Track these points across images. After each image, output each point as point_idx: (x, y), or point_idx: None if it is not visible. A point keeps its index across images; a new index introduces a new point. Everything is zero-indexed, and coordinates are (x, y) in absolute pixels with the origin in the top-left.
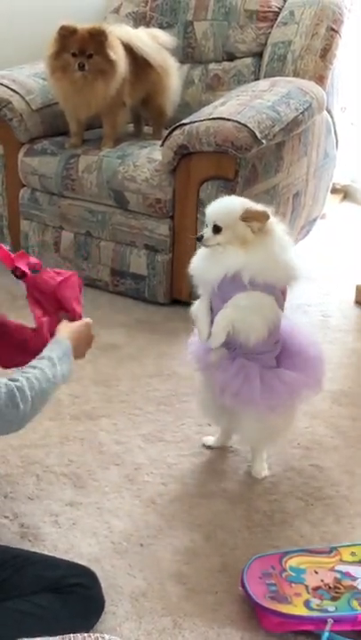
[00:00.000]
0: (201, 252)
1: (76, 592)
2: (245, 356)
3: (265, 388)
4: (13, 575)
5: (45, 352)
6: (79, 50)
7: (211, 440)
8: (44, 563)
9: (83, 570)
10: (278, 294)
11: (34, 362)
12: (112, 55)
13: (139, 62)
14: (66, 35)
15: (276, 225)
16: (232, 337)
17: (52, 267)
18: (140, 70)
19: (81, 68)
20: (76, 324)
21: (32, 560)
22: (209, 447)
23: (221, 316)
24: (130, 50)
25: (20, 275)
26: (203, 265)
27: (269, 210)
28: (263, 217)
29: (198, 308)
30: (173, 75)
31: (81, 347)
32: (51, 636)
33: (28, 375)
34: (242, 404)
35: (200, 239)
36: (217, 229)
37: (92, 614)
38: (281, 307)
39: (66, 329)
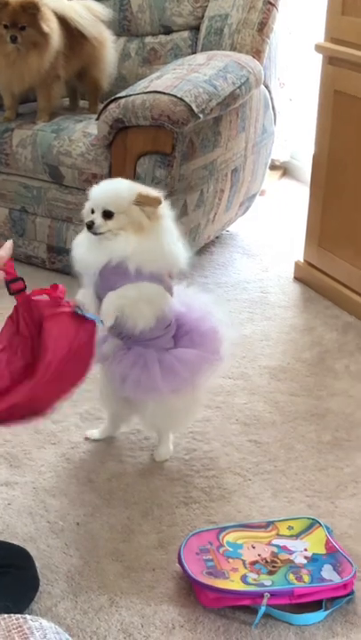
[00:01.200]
0: (83, 237)
1: (10, 573)
2: (140, 343)
3: (165, 372)
4: None
5: None
6: (11, 22)
7: (95, 433)
8: None
9: (16, 550)
10: (167, 279)
11: None
12: (45, 28)
13: (73, 34)
14: None
15: (166, 210)
16: (120, 324)
17: None
18: (75, 43)
19: (13, 40)
20: None
21: None
22: (94, 440)
23: (109, 299)
24: (64, 22)
25: (15, 290)
26: (85, 250)
27: (161, 194)
28: (156, 201)
29: (84, 295)
30: (109, 47)
31: None
32: None
33: None
34: (144, 393)
35: (91, 226)
36: (108, 215)
37: (25, 595)
38: (170, 291)
39: None
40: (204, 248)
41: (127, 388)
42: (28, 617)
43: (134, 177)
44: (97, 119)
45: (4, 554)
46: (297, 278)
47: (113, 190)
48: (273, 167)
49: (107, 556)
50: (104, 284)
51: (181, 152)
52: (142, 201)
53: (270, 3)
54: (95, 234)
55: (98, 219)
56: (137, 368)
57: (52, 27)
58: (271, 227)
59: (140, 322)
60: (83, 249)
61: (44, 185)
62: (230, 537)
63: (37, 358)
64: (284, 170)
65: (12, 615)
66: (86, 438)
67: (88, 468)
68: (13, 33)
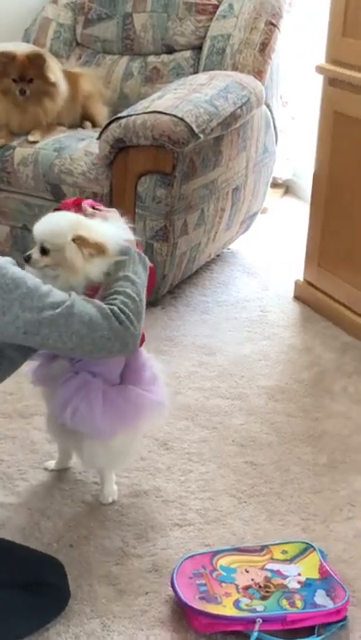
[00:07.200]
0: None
1: (47, 594)
2: (89, 370)
3: (107, 407)
4: None
5: (120, 272)
6: (19, 76)
7: (52, 464)
8: (16, 558)
9: (53, 566)
10: None
11: (115, 287)
12: (52, 77)
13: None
14: (5, 61)
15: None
16: None
17: None
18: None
19: (22, 93)
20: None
21: (4, 555)
22: (52, 470)
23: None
24: None
25: None
26: None
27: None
28: (98, 248)
29: None
30: (62, 79)
31: None
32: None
33: (115, 301)
34: (81, 424)
35: (28, 260)
36: (44, 251)
37: (53, 614)
38: None
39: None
40: (204, 266)
41: (65, 415)
42: None
43: (135, 196)
44: (98, 138)
45: (38, 570)
46: (297, 297)
47: (51, 226)
48: (275, 185)
49: (100, 580)
50: None
51: (182, 172)
52: (81, 243)
53: (272, 23)
54: (32, 267)
55: (35, 253)
56: (79, 395)
57: (57, 75)
58: (272, 245)
59: None
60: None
61: (46, 203)
62: (224, 561)
63: None
64: (287, 188)
65: None
66: (45, 469)
67: (84, 489)
68: (22, 87)
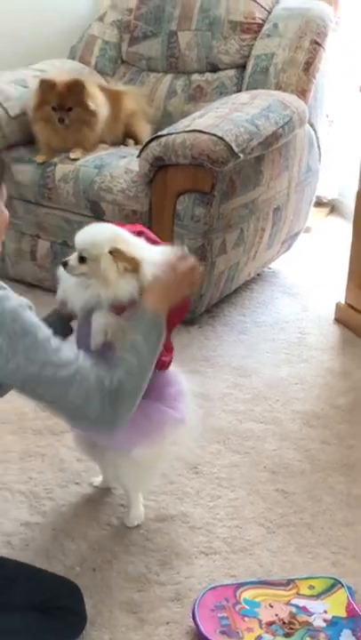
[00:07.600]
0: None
1: (63, 617)
2: None
3: None
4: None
5: (130, 335)
6: (58, 105)
7: (97, 480)
8: (32, 580)
9: (66, 588)
10: None
11: (119, 355)
12: (92, 105)
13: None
14: (46, 88)
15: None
16: (105, 346)
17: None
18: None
19: (61, 122)
20: (159, 278)
21: (21, 577)
22: (96, 487)
23: (97, 317)
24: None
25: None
26: (69, 287)
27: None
28: (134, 263)
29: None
30: (102, 106)
31: (175, 293)
32: None
33: (120, 372)
34: (98, 436)
35: (65, 265)
36: (82, 259)
37: (72, 634)
38: None
39: (150, 293)
40: (244, 285)
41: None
42: None
43: (174, 215)
44: (138, 156)
45: (54, 593)
46: (337, 320)
47: (92, 236)
48: (320, 204)
49: (121, 606)
50: (80, 326)
51: (221, 191)
52: (118, 256)
53: (317, 42)
54: (68, 273)
55: (73, 260)
56: None
57: (97, 102)
58: (315, 265)
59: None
60: (67, 283)
61: (85, 219)
62: (248, 594)
63: None
64: (332, 207)
65: None
66: (90, 484)
67: (109, 512)
68: (61, 115)
